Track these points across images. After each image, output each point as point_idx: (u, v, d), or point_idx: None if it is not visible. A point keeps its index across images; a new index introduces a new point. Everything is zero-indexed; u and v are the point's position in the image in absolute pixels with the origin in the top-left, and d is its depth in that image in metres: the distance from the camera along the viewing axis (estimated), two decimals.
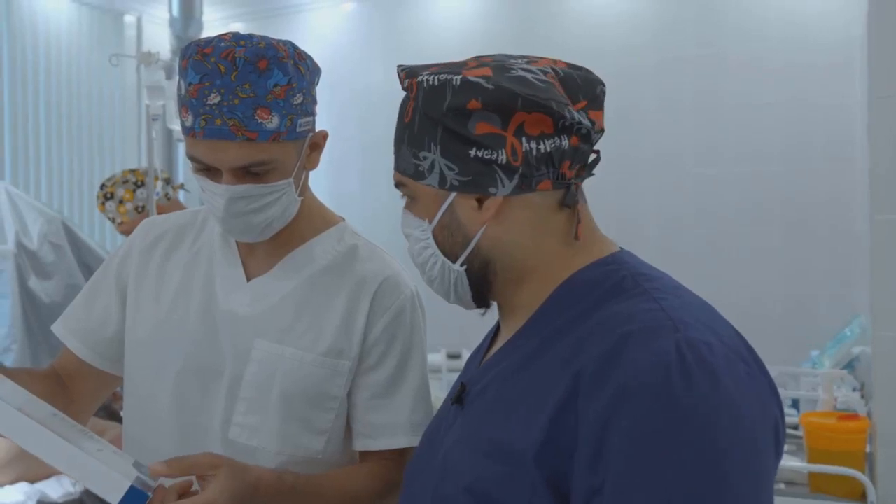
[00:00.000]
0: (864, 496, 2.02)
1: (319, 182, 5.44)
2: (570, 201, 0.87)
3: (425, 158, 0.88)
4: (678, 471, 0.70)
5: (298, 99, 1.15)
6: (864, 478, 2.02)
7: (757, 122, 3.83)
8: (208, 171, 1.16)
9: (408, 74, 0.90)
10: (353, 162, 4.81)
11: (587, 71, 0.90)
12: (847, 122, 3.61)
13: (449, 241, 0.89)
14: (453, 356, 3.31)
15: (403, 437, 1.22)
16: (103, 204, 2.87)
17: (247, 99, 1.10)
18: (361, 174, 4.78)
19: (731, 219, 3.89)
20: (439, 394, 3.18)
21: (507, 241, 0.87)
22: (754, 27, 3.85)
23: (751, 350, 0.80)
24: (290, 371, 1.18)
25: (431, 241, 0.90)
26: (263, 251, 1.25)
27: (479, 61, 0.88)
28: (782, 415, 0.80)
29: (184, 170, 5.03)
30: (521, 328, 0.90)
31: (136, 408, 1.27)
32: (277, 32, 5.39)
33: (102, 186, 2.89)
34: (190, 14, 4.95)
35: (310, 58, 1.20)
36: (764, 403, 0.76)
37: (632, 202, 3.93)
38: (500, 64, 0.87)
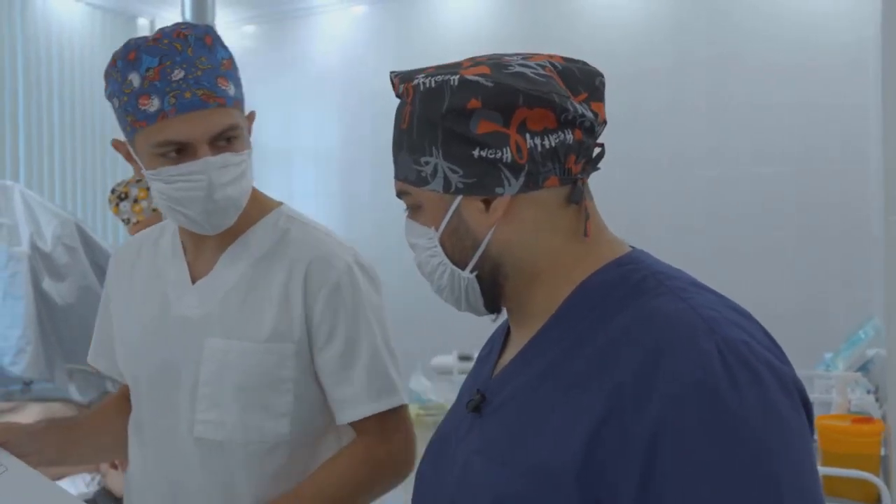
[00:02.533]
0: (878, 500, 2.01)
1: (331, 185, 5.44)
2: (577, 197, 0.85)
3: (427, 164, 0.85)
4: (733, 486, 0.69)
5: (238, 73, 1.24)
6: (878, 481, 2.00)
7: (769, 123, 3.81)
8: (181, 152, 1.17)
9: (402, 79, 0.88)
10: (365, 165, 4.82)
11: (584, 63, 0.88)
12: (860, 122, 3.59)
13: (458, 247, 0.87)
14: (465, 358, 3.30)
15: (365, 407, 1.25)
16: (117, 206, 2.89)
17: (207, 70, 1.17)
18: (373, 176, 4.79)
19: (742, 220, 3.87)
20: (450, 396, 3.18)
21: (517, 242, 0.85)
22: (766, 28, 3.83)
23: (770, 336, 0.79)
24: (240, 363, 1.23)
25: (439, 248, 0.88)
26: (209, 248, 1.30)
27: (474, 61, 0.86)
28: (805, 393, 0.79)
29: None
30: (538, 334, 0.87)
31: (131, 418, 1.36)
32: (289, 35, 5.40)
33: (114, 190, 2.91)
34: (202, 17, 4.98)
35: None
36: (795, 387, 0.75)
37: (641, 204, 3.91)
38: (496, 62, 0.85)
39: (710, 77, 3.94)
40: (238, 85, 1.22)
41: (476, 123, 0.82)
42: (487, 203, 0.84)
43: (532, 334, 0.88)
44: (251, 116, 1.30)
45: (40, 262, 3.33)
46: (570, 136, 0.83)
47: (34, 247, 3.32)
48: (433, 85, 0.84)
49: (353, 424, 1.28)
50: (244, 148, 1.22)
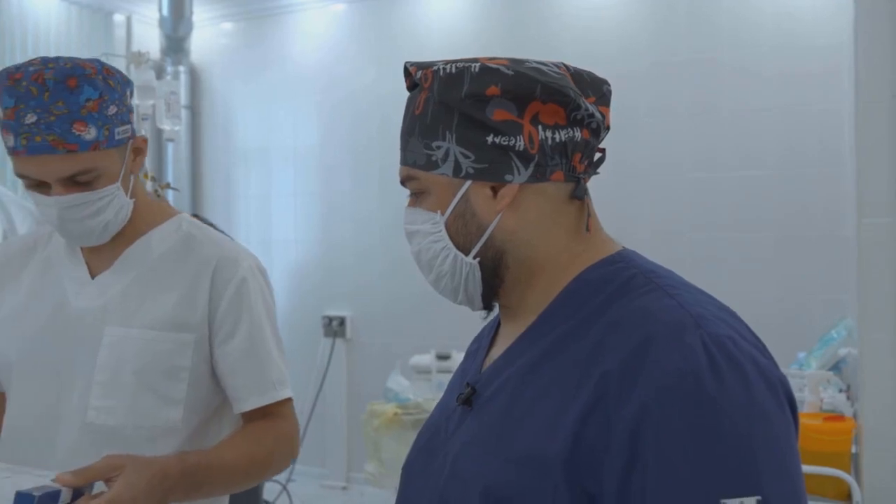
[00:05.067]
0: (849, 496, 2.04)
1: (310, 184, 5.42)
2: (581, 193, 0.88)
3: (439, 148, 0.87)
4: (714, 474, 0.70)
5: (112, 110, 1.25)
6: (849, 478, 2.03)
7: (750, 127, 3.85)
8: (39, 186, 1.25)
9: (420, 66, 0.90)
10: (344, 164, 4.81)
11: (591, 72, 0.91)
12: (836, 127, 3.64)
13: (462, 232, 0.88)
14: (443, 357, 3.31)
15: (262, 397, 1.34)
16: None
17: (62, 115, 1.20)
18: (353, 175, 4.78)
19: (723, 224, 3.90)
20: (428, 395, 3.18)
21: (520, 231, 0.87)
22: (747, 33, 3.87)
23: (755, 335, 0.81)
24: (138, 349, 1.29)
25: (444, 233, 0.88)
26: (105, 249, 1.35)
27: (489, 58, 0.89)
28: (791, 394, 0.81)
29: (172, 169, 5.02)
30: (530, 327, 0.89)
31: (9, 407, 1.36)
32: (267, 32, 5.37)
33: None
34: (180, 14, 4.93)
35: (119, 72, 1.30)
36: (782, 387, 0.78)
37: (625, 207, 3.93)
38: (513, 59, 0.88)
39: (690, 81, 3.97)
40: (103, 125, 1.23)
41: (492, 110, 0.84)
42: (495, 190, 0.86)
43: (524, 327, 0.89)
44: (138, 142, 1.32)
45: None
46: (578, 135, 0.87)
47: None
48: (454, 70, 0.86)
49: (245, 413, 1.36)
50: (105, 184, 1.26)
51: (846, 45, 3.19)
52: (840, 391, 2.53)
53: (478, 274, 0.89)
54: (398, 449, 2.63)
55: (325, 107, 4.89)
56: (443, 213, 0.88)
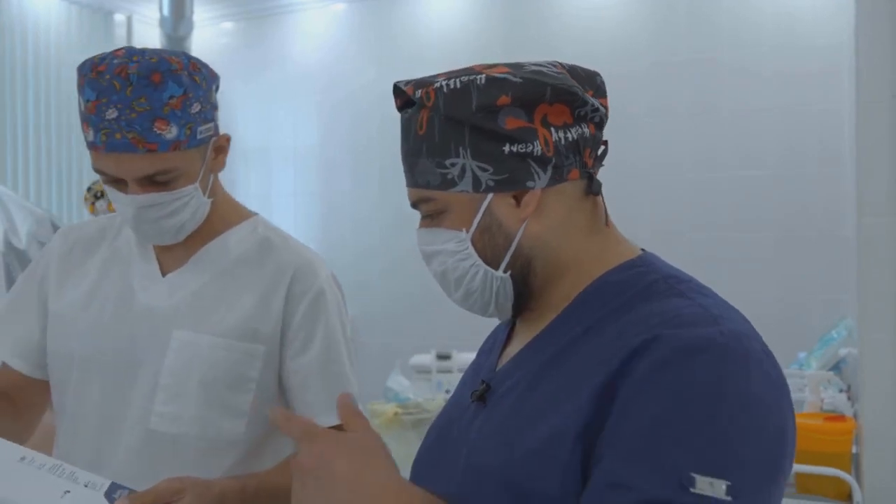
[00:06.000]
0: (850, 497, 2.04)
1: (310, 184, 5.42)
2: (597, 188, 0.89)
3: (453, 165, 0.85)
4: (693, 446, 0.71)
5: (196, 108, 1.19)
6: (850, 478, 2.03)
7: (750, 127, 3.84)
8: (116, 182, 1.19)
9: (417, 85, 0.88)
10: (344, 164, 4.81)
11: (582, 67, 0.92)
12: (836, 127, 3.63)
13: (490, 246, 0.87)
14: (443, 357, 3.31)
15: (333, 416, 1.24)
16: (93, 204, 2.86)
17: (144, 112, 1.14)
18: (353, 174, 4.77)
19: (723, 224, 3.90)
20: (429, 395, 3.18)
21: (545, 235, 0.87)
22: (747, 33, 3.87)
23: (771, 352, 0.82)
24: (206, 357, 1.22)
25: (471, 250, 0.87)
26: (179, 247, 1.29)
27: (486, 65, 0.88)
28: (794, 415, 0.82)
29: None
30: (548, 326, 0.89)
31: (61, 403, 1.29)
32: (267, 32, 5.37)
33: (89, 188, 2.88)
34: (181, 14, 4.93)
35: (206, 67, 1.23)
36: (788, 400, 0.79)
37: (625, 207, 3.91)
38: (510, 64, 0.88)
39: (690, 81, 3.97)
40: (186, 124, 1.17)
41: (504, 119, 0.84)
42: (517, 199, 0.86)
43: (542, 326, 0.90)
44: (220, 141, 1.26)
45: (15, 259, 3.28)
46: (586, 130, 0.87)
47: (8, 244, 3.28)
48: (458, 86, 0.85)
49: None
50: (183, 185, 1.20)
51: (846, 45, 3.19)
52: (840, 391, 2.53)
53: (509, 286, 0.88)
54: (398, 448, 2.62)
55: (325, 106, 4.89)
56: (467, 230, 0.87)
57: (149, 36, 5.09)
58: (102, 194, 2.85)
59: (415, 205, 0.91)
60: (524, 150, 0.84)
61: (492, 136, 0.84)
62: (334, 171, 4.82)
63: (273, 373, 1.27)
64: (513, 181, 0.85)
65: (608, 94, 0.92)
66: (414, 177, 0.89)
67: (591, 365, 0.80)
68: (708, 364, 0.73)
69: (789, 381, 2.82)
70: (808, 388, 2.48)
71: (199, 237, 1.28)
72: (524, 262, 0.88)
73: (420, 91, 0.87)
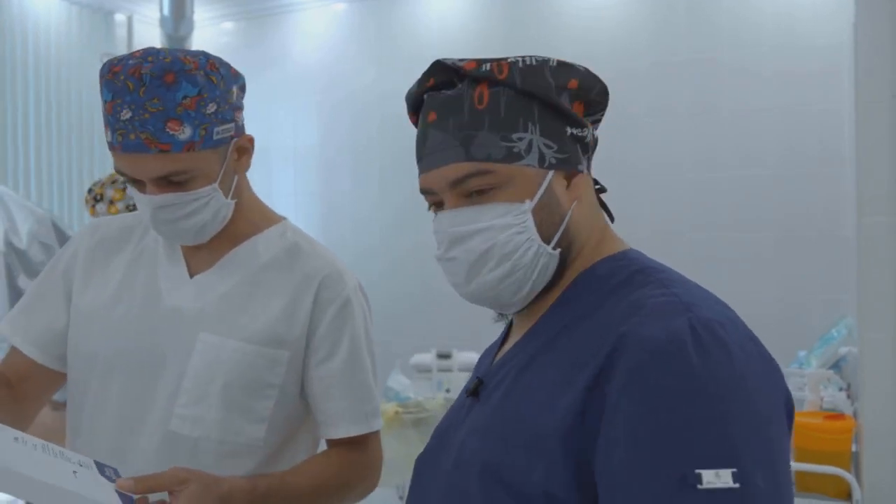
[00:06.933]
0: (849, 495, 2.05)
1: (310, 183, 5.42)
2: (602, 187, 0.96)
3: (521, 139, 0.86)
4: (691, 442, 0.71)
5: (212, 108, 1.18)
6: (849, 476, 2.04)
7: (750, 127, 3.85)
8: (136, 183, 1.20)
9: (483, 61, 0.88)
10: (345, 162, 4.81)
11: None
12: (839, 127, 3.64)
13: (546, 222, 0.87)
14: (443, 356, 3.31)
15: (353, 426, 1.27)
16: (93, 207, 2.86)
17: (156, 113, 1.14)
18: (353, 174, 4.78)
19: (723, 224, 3.90)
20: (429, 394, 3.19)
21: (582, 220, 0.91)
22: (747, 33, 3.87)
23: (754, 335, 0.83)
24: (231, 361, 1.22)
25: (529, 223, 0.86)
26: (206, 249, 1.28)
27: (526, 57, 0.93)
28: (789, 392, 0.83)
29: None
30: (536, 322, 0.91)
31: (79, 402, 1.28)
32: (268, 32, 5.37)
33: (90, 190, 2.88)
34: (181, 13, 4.93)
35: (225, 66, 1.22)
36: (775, 379, 0.80)
37: (625, 207, 3.91)
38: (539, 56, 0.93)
39: (690, 81, 3.97)
40: (200, 124, 1.16)
41: (570, 103, 0.89)
42: (568, 180, 0.90)
43: (536, 319, 0.92)
44: (243, 141, 1.26)
45: (15, 259, 3.29)
46: (592, 128, 0.94)
47: (9, 244, 3.29)
48: (534, 63, 0.89)
49: (332, 440, 1.29)
50: (202, 185, 1.19)
51: (846, 45, 3.20)
52: (840, 390, 2.54)
53: (554, 264, 0.88)
54: (399, 448, 2.63)
55: (325, 106, 4.89)
56: (531, 201, 0.87)
57: (149, 36, 5.09)
58: (102, 197, 2.86)
59: (462, 179, 0.87)
60: (580, 134, 0.89)
61: (559, 115, 0.88)
62: (334, 171, 4.83)
63: (295, 379, 1.27)
64: (570, 161, 0.89)
65: (608, 94, 0.95)
66: (470, 150, 0.87)
67: (575, 360, 0.81)
68: (677, 361, 0.74)
69: (789, 381, 2.84)
70: (808, 386, 2.49)
71: (226, 239, 1.28)
72: (568, 242, 0.89)
73: (489, 65, 0.88)
